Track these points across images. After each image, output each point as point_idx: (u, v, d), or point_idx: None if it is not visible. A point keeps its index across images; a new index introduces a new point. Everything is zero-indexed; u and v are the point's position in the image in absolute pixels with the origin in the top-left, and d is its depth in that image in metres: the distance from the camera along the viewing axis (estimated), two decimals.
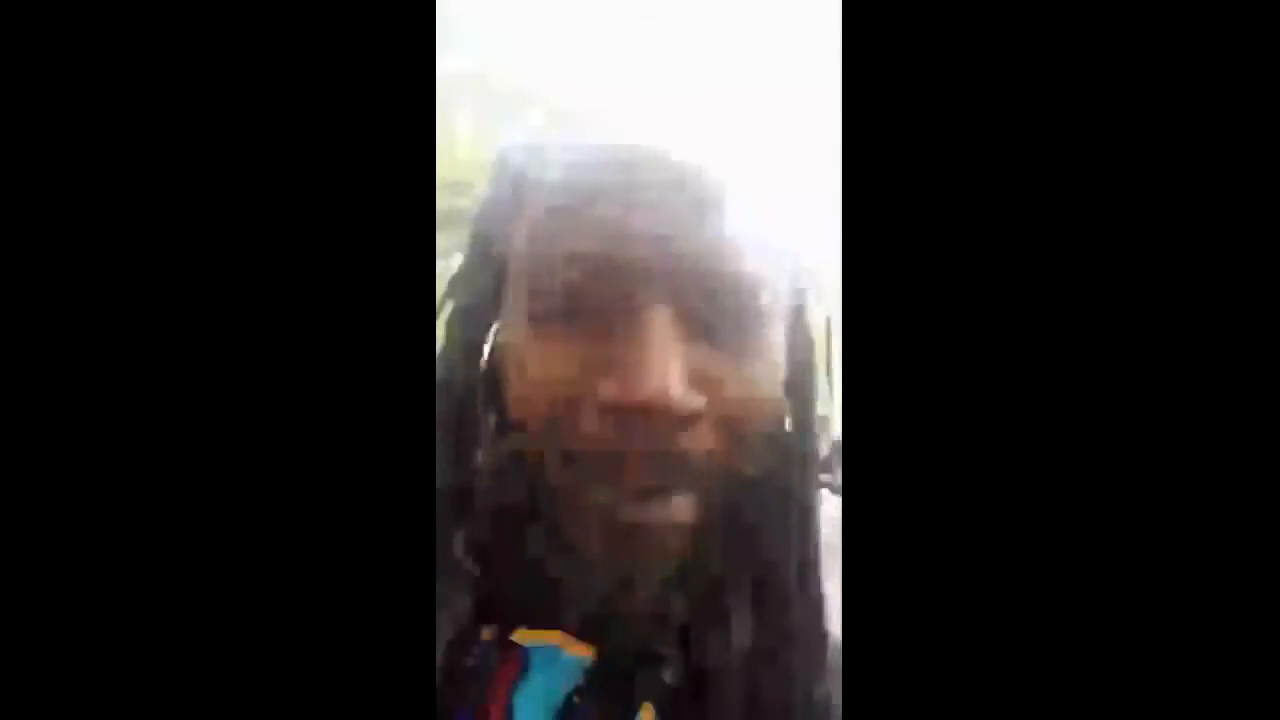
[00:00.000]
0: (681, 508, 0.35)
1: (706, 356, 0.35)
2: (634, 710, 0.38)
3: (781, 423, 0.40)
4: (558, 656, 0.39)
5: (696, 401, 0.34)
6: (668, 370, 0.32)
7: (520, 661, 0.39)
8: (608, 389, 0.33)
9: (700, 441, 0.34)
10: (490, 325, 0.41)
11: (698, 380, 0.34)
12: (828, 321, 0.43)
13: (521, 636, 0.39)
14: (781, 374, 0.38)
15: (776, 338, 0.38)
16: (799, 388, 0.40)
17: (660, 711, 0.38)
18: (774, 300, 0.37)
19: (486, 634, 0.39)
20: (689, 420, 0.34)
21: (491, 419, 0.39)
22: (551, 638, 0.39)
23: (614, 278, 0.34)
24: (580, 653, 0.39)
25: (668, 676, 0.37)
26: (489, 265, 0.40)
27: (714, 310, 0.35)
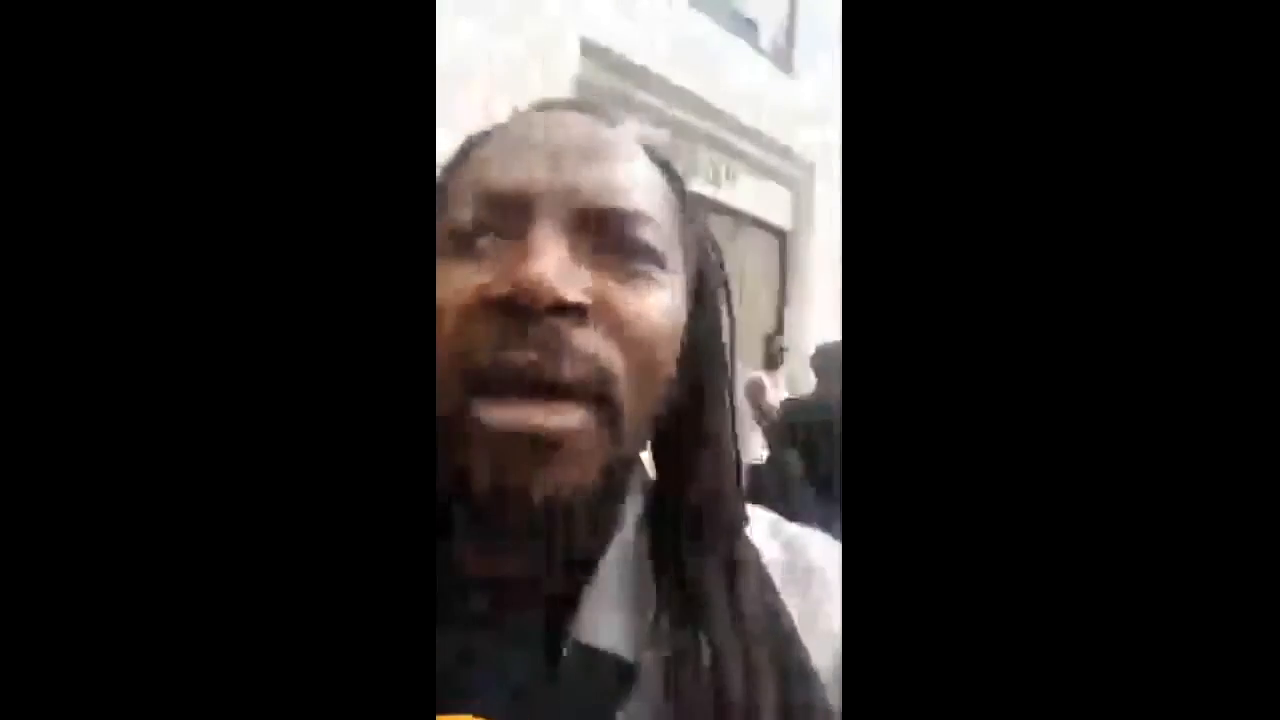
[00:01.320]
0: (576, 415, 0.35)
1: (598, 277, 0.36)
2: None
3: (678, 362, 0.39)
4: None
5: (576, 293, 0.34)
6: (546, 259, 0.34)
7: None
8: (489, 286, 0.34)
9: (593, 344, 0.35)
10: None
11: (588, 292, 0.35)
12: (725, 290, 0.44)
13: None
14: (681, 318, 0.39)
15: (672, 283, 0.39)
16: (704, 345, 0.41)
17: None
18: (667, 245, 0.39)
19: None
20: (576, 314, 0.34)
21: None
22: None
23: (510, 208, 0.36)
24: None
25: None
26: None
27: (603, 237, 0.37)
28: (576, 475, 0.35)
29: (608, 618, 0.38)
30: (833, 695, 0.37)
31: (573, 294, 0.34)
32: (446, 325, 0.35)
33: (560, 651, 0.37)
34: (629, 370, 0.36)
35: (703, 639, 0.37)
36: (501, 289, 0.34)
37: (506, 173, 0.37)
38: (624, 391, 0.36)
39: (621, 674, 0.37)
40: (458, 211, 0.37)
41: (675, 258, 0.39)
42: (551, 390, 0.34)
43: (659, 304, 0.37)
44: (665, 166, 0.42)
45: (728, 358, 0.43)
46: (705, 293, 0.42)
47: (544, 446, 0.34)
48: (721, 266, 0.44)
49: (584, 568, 0.39)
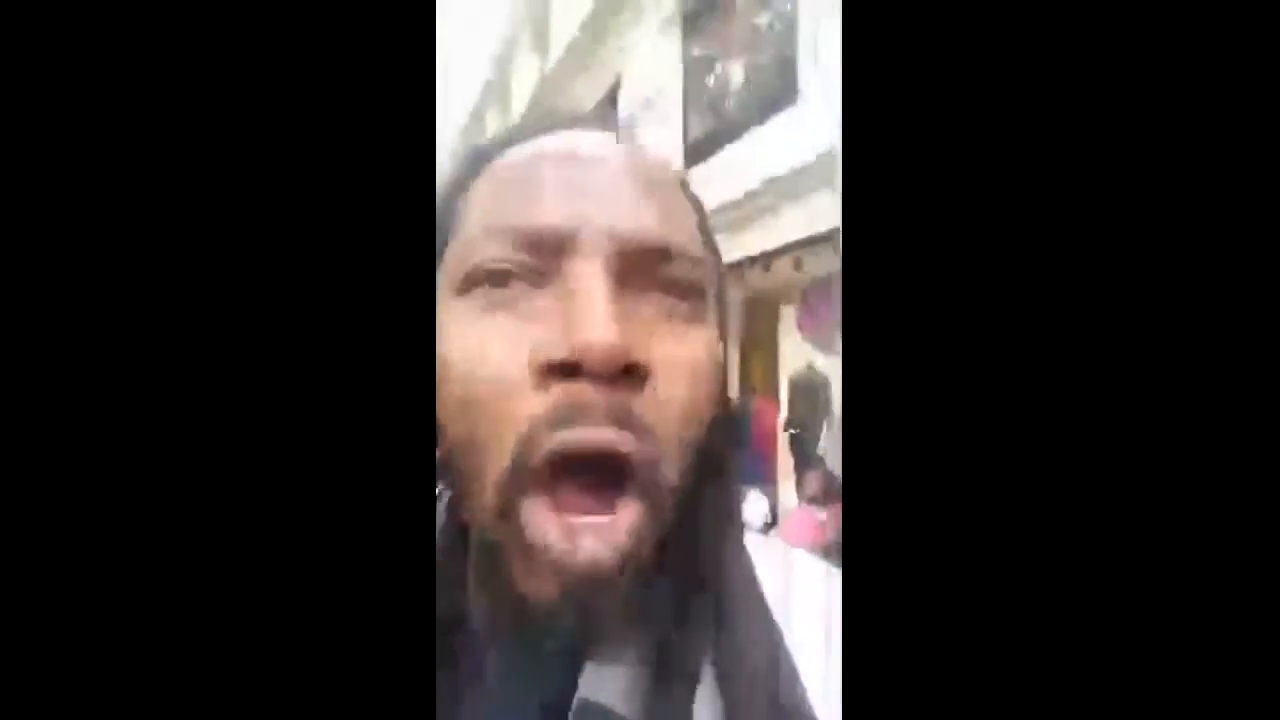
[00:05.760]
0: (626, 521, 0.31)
1: (644, 324, 0.32)
2: None
3: (720, 402, 0.36)
4: None
5: (640, 351, 0.30)
6: (607, 314, 0.29)
7: None
8: (538, 351, 0.30)
9: (651, 412, 0.31)
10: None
11: (641, 340, 0.31)
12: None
13: None
14: (721, 356, 0.35)
15: (710, 318, 0.35)
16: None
17: None
18: (704, 279, 0.35)
19: None
20: (640, 378, 0.30)
21: None
22: None
23: (539, 246, 0.32)
24: None
25: None
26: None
27: (648, 277, 0.33)
28: (619, 574, 0.30)
29: (612, 672, 0.34)
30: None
31: (638, 353, 0.30)
32: (488, 396, 0.30)
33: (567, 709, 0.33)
34: (672, 433, 0.31)
35: (700, 692, 0.34)
36: (559, 353, 0.29)
37: (539, 205, 0.32)
38: (671, 463, 0.31)
39: None
40: (483, 247, 0.32)
41: (710, 289, 0.35)
42: (615, 480, 0.30)
43: (707, 346, 0.34)
44: (684, 185, 0.39)
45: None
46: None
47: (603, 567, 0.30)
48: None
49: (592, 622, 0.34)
